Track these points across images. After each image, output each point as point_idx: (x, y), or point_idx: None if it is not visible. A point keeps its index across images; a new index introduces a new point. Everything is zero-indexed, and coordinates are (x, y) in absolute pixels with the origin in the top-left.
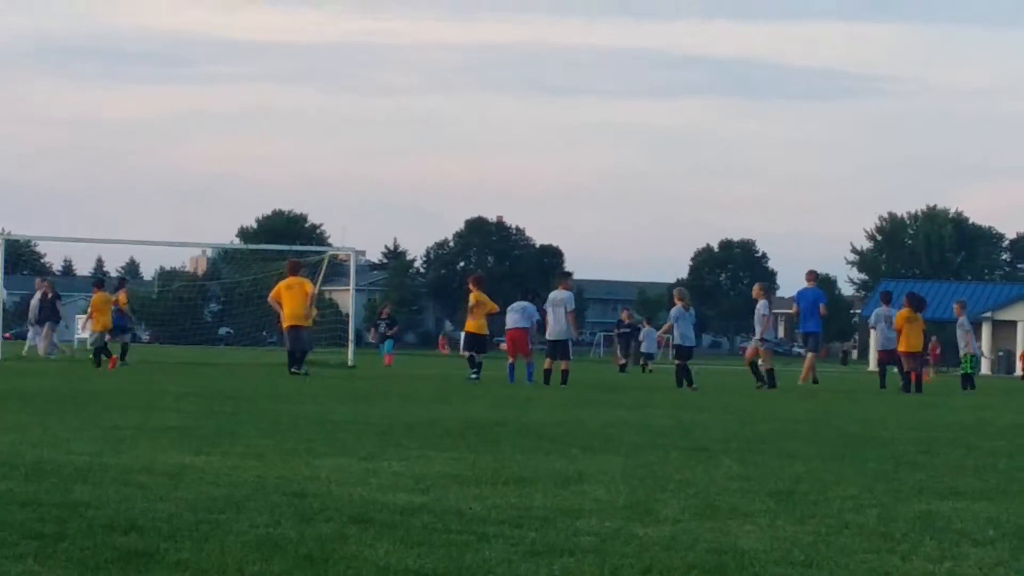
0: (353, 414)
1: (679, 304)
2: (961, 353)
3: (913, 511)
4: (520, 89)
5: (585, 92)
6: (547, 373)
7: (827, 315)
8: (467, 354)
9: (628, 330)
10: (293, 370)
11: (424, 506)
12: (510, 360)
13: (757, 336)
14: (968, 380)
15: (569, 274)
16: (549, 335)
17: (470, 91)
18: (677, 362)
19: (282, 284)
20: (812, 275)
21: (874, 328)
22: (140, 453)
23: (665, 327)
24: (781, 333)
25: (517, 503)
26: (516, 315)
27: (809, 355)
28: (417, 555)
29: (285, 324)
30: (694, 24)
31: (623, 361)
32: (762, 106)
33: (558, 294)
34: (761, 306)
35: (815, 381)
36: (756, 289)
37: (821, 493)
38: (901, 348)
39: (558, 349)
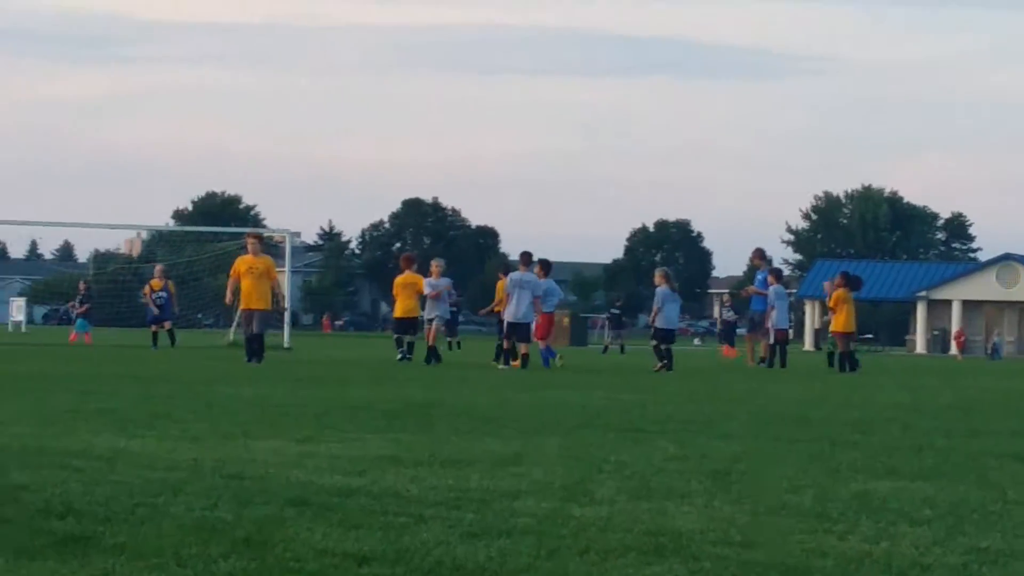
0: (289, 397)
1: (664, 285)
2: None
3: (849, 491)
4: (454, 69)
5: (519, 72)
6: (507, 354)
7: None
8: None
9: (455, 310)
10: (251, 361)
11: (361, 488)
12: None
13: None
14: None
15: (531, 255)
16: (512, 317)
17: (404, 71)
18: (662, 345)
19: (242, 262)
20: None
21: (773, 307)
22: (77, 437)
23: (654, 311)
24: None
25: (454, 484)
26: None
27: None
28: (355, 538)
29: (242, 306)
30: (626, 3)
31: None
32: (696, 85)
33: (524, 276)
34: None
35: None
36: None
37: (757, 474)
38: (836, 328)
39: (521, 331)
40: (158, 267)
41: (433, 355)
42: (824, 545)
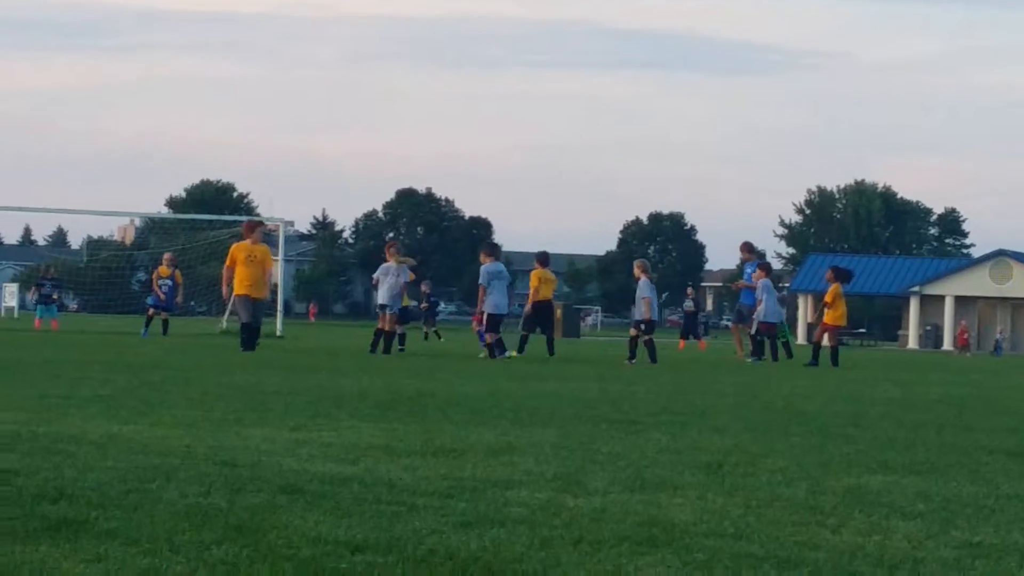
0: (282, 384)
1: (645, 277)
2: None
3: (842, 485)
4: (450, 61)
5: (514, 64)
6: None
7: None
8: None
9: (434, 299)
10: (246, 350)
11: (354, 476)
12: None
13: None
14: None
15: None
16: (494, 309)
17: (400, 63)
18: (647, 337)
19: (240, 250)
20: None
21: (761, 300)
22: (69, 422)
23: (646, 303)
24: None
25: (447, 474)
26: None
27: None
28: (348, 525)
29: (239, 292)
30: None
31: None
32: (692, 79)
33: (497, 266)
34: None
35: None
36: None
37: (750, 466)
38: (831, 321)
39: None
40: (167, 255)
41: (392, 342)
42: (817, 538)
